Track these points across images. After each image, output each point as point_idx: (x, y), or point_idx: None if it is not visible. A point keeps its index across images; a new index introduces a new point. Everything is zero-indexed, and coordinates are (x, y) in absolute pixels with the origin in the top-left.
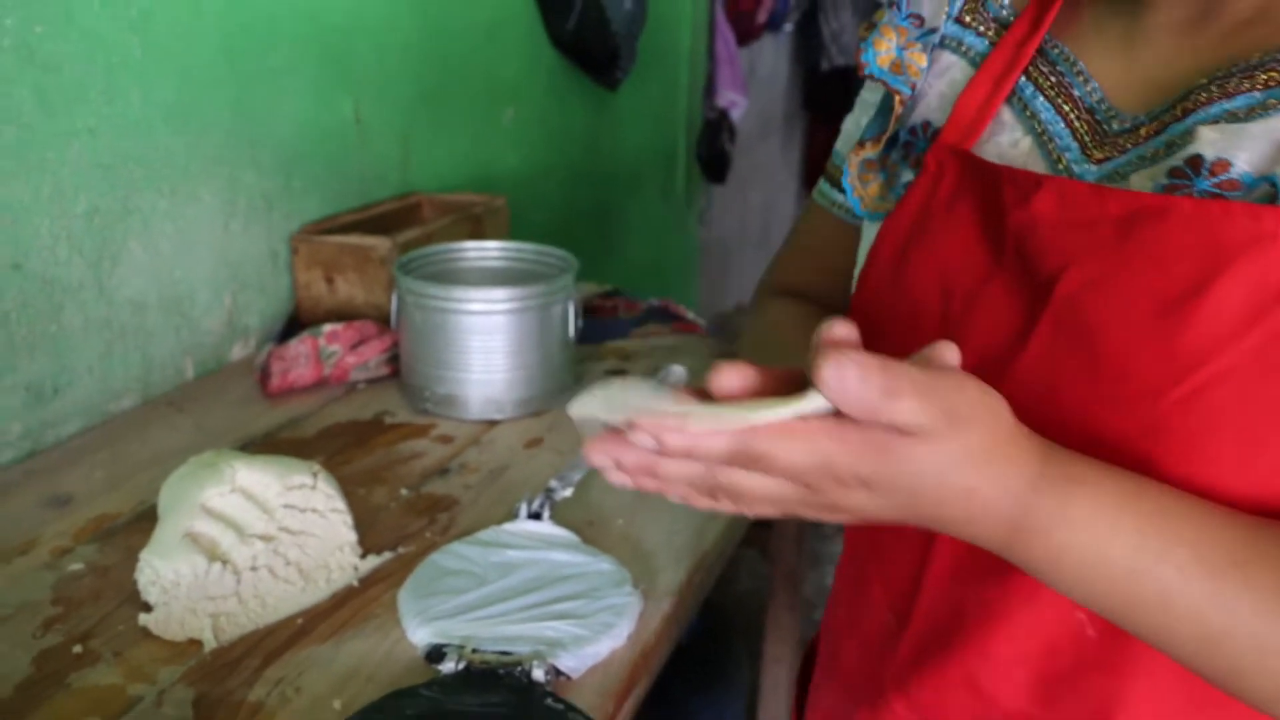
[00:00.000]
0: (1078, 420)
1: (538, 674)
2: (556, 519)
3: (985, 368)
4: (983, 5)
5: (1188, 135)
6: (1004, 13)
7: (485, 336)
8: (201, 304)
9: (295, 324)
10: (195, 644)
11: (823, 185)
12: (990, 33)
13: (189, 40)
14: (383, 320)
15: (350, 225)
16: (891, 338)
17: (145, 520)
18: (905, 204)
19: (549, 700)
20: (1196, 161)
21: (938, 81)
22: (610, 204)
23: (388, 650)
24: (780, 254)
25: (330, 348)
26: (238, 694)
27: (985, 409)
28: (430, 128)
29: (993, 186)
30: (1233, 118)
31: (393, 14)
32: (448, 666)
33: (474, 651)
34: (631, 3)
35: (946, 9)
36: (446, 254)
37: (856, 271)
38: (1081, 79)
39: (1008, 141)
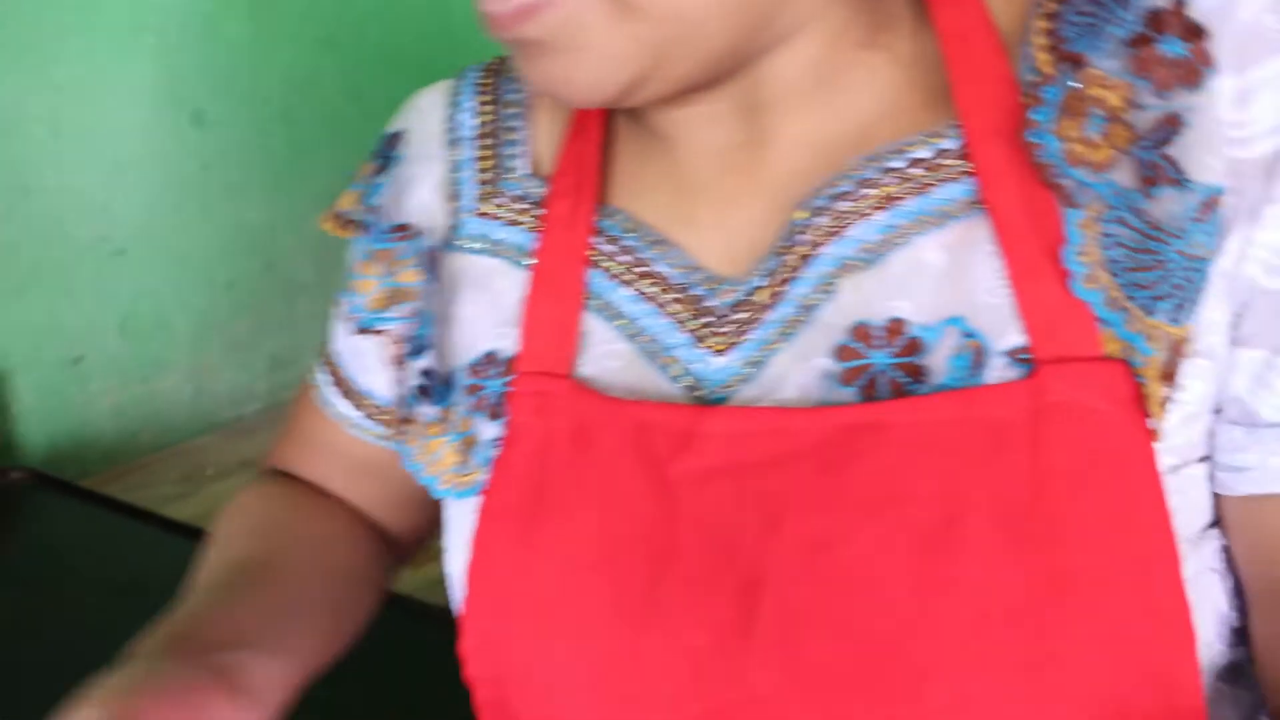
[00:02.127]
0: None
1: None
2: None
3: (694, 676)
4: (499, 187)
5: (824, 288)
6: (531, 189)
7: None
8: None
9: None
10: None
11: (326, 391)
12: (527, 219)
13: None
14: None
15: None
16: (535, 658)
17: None
18: (508, 469)
19: None
20: (864, 331)
21: (478, 298)
22: None
23: None
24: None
25: None
26: None
27: None
28: None
29: (634, 430)
30: (869, 256)
31: None
32: None
33: None
34: None
35: (455, 203)
36: None
37: (450, 562)
38: (660, 249)
39: (603, 355)
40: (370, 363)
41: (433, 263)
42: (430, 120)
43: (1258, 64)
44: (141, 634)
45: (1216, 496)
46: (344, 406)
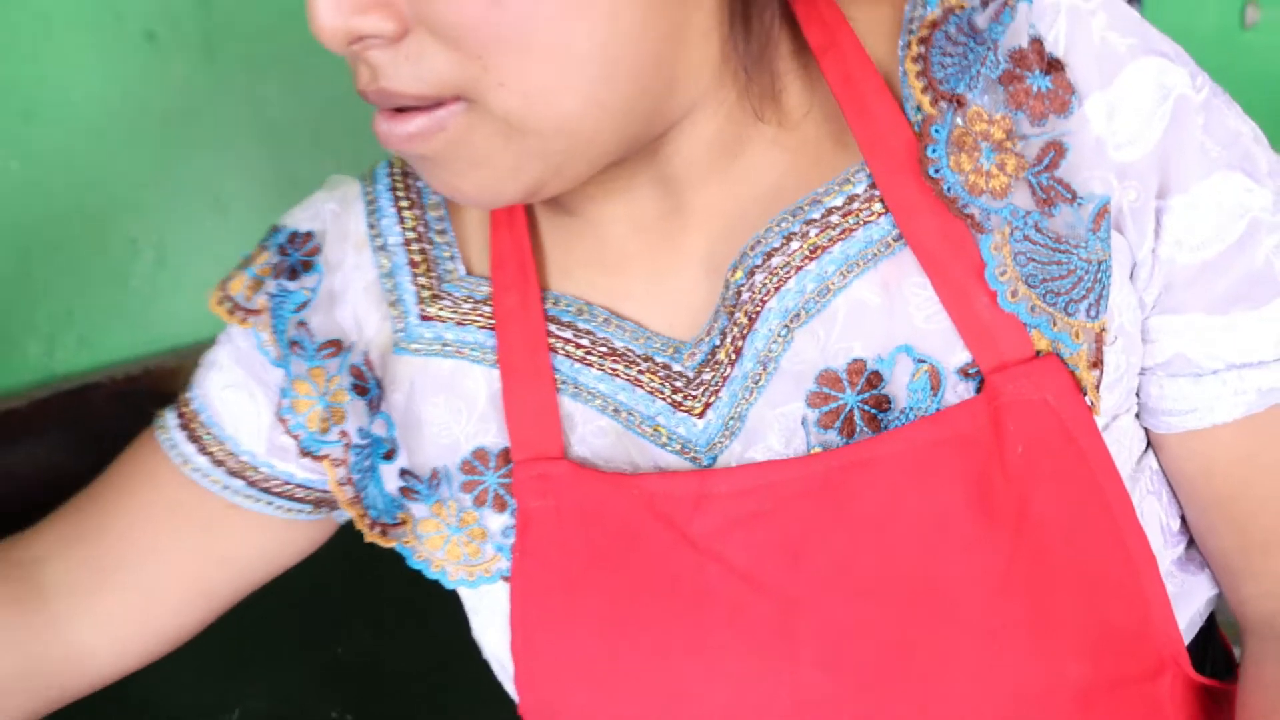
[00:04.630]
0: None
1: None
2: None
3: (742, 699)
4: (442, 289)
5: (778, 340)
6: (475, 288)
7: None
8: None
9: None
10: None
11: (174, 434)
12: (476, 316)
13: None
14: None
15: None
16: (593, 707)
17: None
18: (529, 552)
19: None
20: (830, 377)
21: (447, 398)
22: None
23: None
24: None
25: None
26: None
27: None
28: None
29: (645, 501)
30: (811, 304)
31: None
32: None
33: None
34: None
35: (398, 309)
36: None
37: (484, 636)
38: (612, 326)
39: (590, 434)
40: (240, 417)
41: (365, 380)
42: (349, 226)
43: (1115, 77)
44: None
45: (1155, 436)
46: (189, 450)
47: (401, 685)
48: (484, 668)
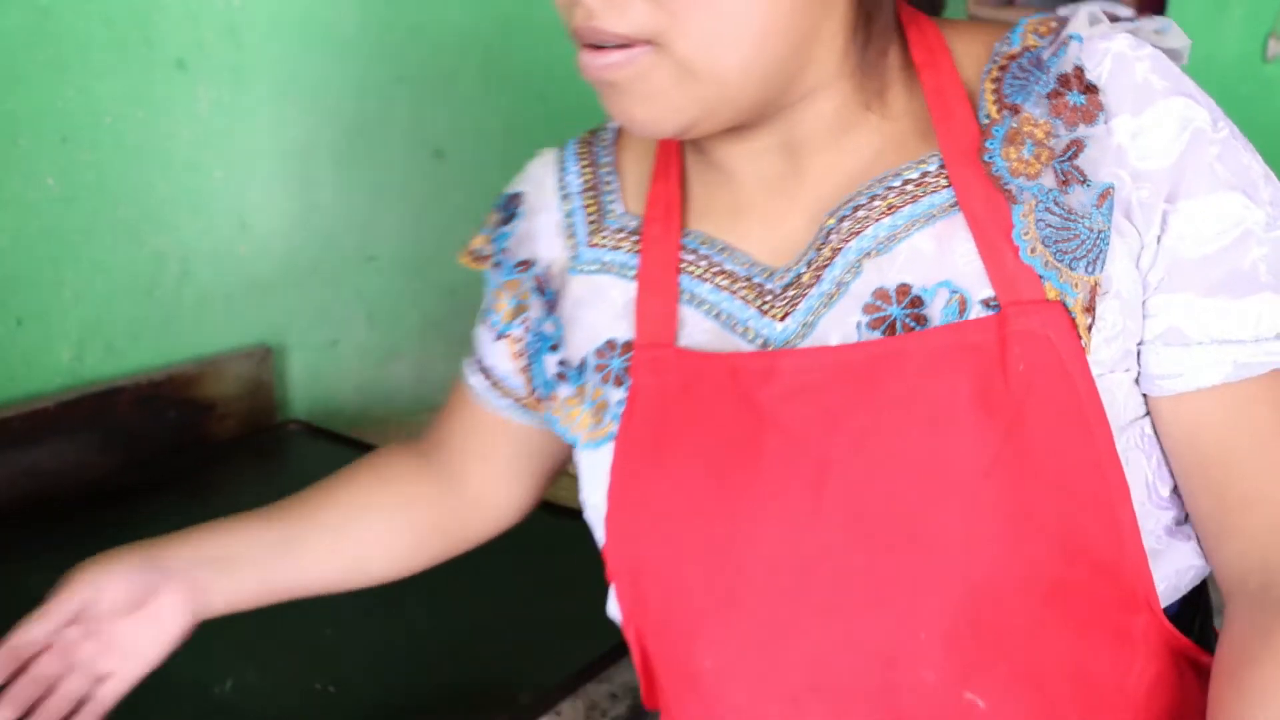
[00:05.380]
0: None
1: None
2: None
3: (783, 538)
4: (604, 224)
5: (852, 270)
6: (628, 222)
7: None
8: None
9: None
10: None
11: (467, 370)
12: (627, 244)
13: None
14: None
15: None
16: (672, 532)
17: None
18: (635, 415)
19: None
20: (883, 293)
21: (597, 307)
22: None
23: None
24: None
25: None
26: None
27: None
28: None
29: (724, 374)
30: (882, 246)
31: None
32: None
33: None
34: None
35: (573, 240)
36: None
37: (589, 494)
38: (727, 254)
39: (697, 332)
40: (499, 355)
41: (545, 286)
42: (544, 183)
43: (1146, 108)
44: None
45: (1150, 400)
46: (476, 380)
47: (382, 663)
48: (456, 651)
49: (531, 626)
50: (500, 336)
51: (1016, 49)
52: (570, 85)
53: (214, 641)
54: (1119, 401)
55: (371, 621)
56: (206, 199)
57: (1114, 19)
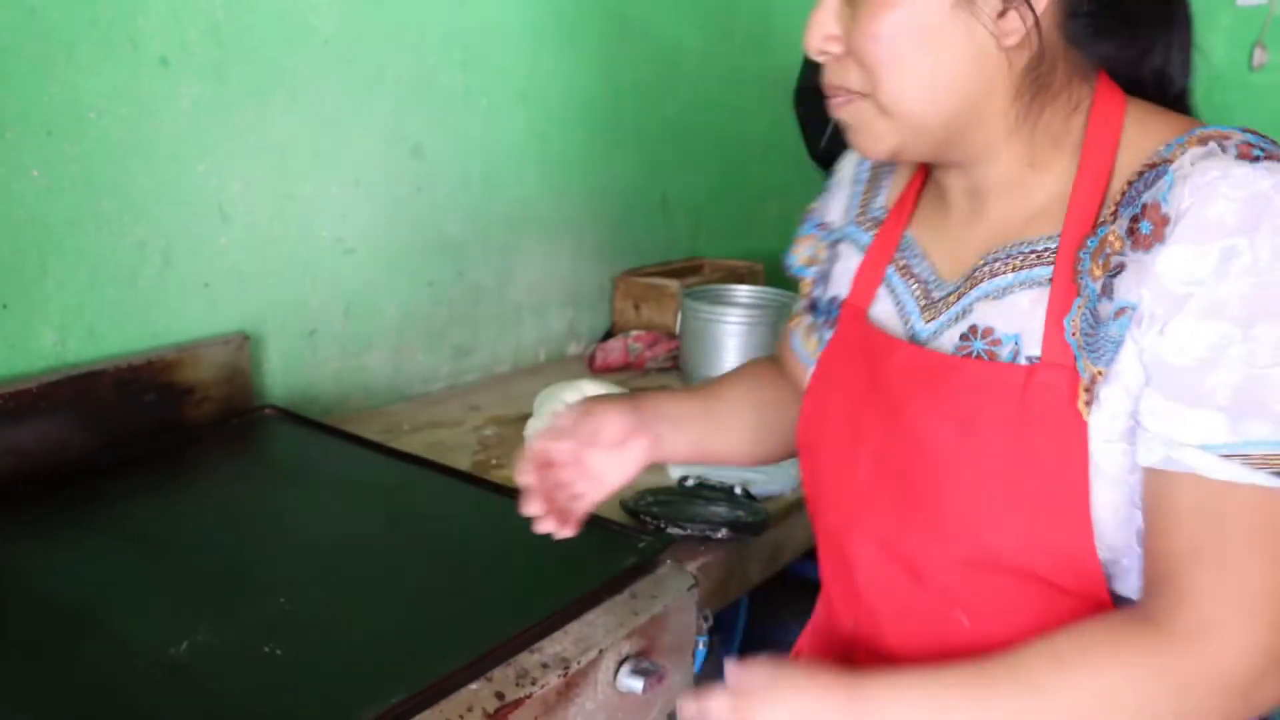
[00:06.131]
0: (900, 474)
1: (737, 489)
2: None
3: (868, 458)
4: (868, 209)
5: (970, 306)
6: (880, 214)
7: (736, 339)
8: (554, 313)
9: (610, 334)
10: None
11: (790, 331)
12: (871, 228)
13: (567, 149)
14: (669, 334)
15: (653, 273)
16: (823, 439)
17: (524, 418)
18: (827, 353)
19: (742, 498)
20: (975, 329)
21: (842, 266)
22: None
23: (661, 479)
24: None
25: (635, 345)
26: None
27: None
28: (715, 212)
29: (872, 343)
30: (998, 293)
31: (695, 127)
32: (689, 483)
33: (702, 480)
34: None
35: (848, 215)
36: (716, 291)
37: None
38: (919, 259)
39: (882, 310)
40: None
41: (834, 245)
42: (845, 175)
43: (1207, 244)
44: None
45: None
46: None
47: (327, 628)
48: (397, 619)
49: (469, 597)
50: (796, 276)
51: (1160, 159)
52: (550, 84)
53: (172, 605)
54: (1117, 465)
55: (318, 590)
56: (188, 191)
57: (1264, 151)
